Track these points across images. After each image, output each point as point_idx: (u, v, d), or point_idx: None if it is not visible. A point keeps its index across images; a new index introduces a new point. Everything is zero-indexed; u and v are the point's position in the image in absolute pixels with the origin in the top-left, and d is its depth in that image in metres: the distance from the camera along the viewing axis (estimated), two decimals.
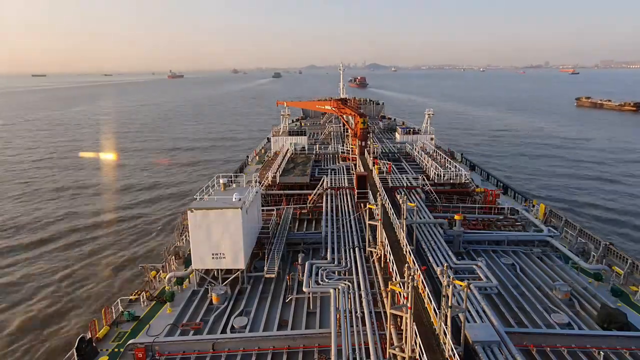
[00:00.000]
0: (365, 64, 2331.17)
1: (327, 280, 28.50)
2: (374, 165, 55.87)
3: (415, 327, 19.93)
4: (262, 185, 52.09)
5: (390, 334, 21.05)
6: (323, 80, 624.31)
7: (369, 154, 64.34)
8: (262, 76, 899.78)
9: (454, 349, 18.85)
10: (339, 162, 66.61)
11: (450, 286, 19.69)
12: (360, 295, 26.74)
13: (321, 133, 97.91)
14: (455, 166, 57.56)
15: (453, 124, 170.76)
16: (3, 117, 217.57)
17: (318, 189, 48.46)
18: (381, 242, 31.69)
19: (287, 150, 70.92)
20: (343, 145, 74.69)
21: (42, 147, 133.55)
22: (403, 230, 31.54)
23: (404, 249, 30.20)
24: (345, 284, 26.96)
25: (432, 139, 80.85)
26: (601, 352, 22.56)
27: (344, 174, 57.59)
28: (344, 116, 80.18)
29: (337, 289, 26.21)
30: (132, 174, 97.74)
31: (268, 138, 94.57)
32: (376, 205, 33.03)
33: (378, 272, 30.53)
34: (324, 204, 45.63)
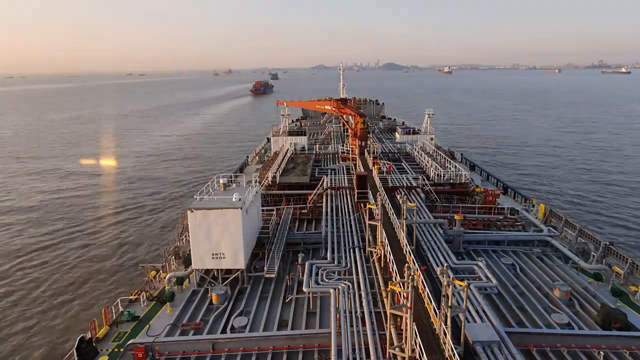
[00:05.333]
0: (379, 64, 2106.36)
1: (327, 280, 28.49)
2: (374, 165, 55.85)
3: (415, 327, 19.92)
4: (262, 185, 52.07)
5: (390, 334, 21.03)
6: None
7: (369, 154, 64.33)
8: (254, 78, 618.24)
9: (454, 349, 18.85)
10: (339, 162, 66.58)
11: (450, 286, 19.70)
12: (360, 295, 26.72)
13: (321, 133, 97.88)
14: (455, 166, 57.60)
15: None
16: None
17: (318, 189, 48.44)
18: (381, 242, 31.69)
19: (287, 150, 70.91)
20: (343, 145, 74.65)
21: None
22: (403, 230, 31.53)
23: (404, 249, 30.20)
24: (345, 284, 26.94)
25: (432, 139, 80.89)
26: (601, 352, 22.55)
27: (344, 174, 57.57)
28: (344, 116, 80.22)
29: (337, 289, 26.19)
30: (132, 174, 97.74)
31: (268, 138, 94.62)
32: (376, 205, 33.03)
33: (378, 272, 30.52)
34: (324, 204, 45.60)
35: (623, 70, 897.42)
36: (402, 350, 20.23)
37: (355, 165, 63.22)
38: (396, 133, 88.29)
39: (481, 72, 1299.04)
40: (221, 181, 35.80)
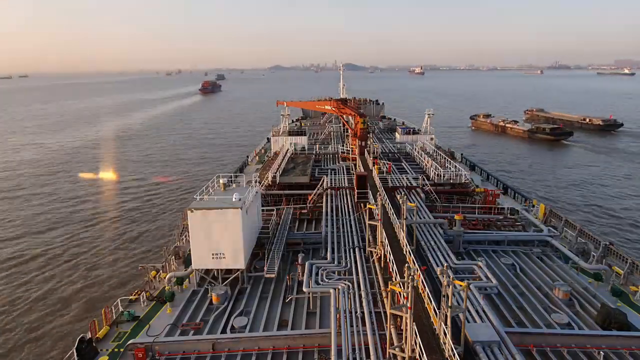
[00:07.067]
0: (337, 64, 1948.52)
1: (327, 280, 28.48)
2: (374, 165, 55.87)
3: (415, 327, 19.92)
4: (262, 185, 52.06)
5: (390, 334, 21.03)
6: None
7: (369, 154, 64.35)
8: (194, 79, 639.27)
9: (454, 349, 18.84)
10: (339, 162, 66.59)
11: (450, 286, 19.69)
12: (360, 295, 26.72)
13: (321, 133, 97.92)
14: (455, 166, 57.60)
15: None
16: None
17: (318, 189, 48.45)
18: (381, 242, 31.69)
19: (287, 150, 70.92)
20: (343, 145, 74.67)
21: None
22: (403, 230, 31.53)
23: (404, 249, 30.20)
24: (345, 284, 26.94)
25: (432, 139, 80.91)
26: (601, 352, 22.55)
27: (344, 174, 57.58)
28: (344, 116, 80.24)
29: (337, 289, 26.19)
30: (132, 174, 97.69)
31: (268, 138, 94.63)
32: (376, 205, 33.03)
33: (378, 272, 30.52)
34: (324, 204, 45.60)
35: (626, 71, 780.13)
36: (402, 350, 20.23)
37: (355, 165, 63.21)
38: (396, 133, 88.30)
39: (445, 73, 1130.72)
40: (221, 181, 35.82)
